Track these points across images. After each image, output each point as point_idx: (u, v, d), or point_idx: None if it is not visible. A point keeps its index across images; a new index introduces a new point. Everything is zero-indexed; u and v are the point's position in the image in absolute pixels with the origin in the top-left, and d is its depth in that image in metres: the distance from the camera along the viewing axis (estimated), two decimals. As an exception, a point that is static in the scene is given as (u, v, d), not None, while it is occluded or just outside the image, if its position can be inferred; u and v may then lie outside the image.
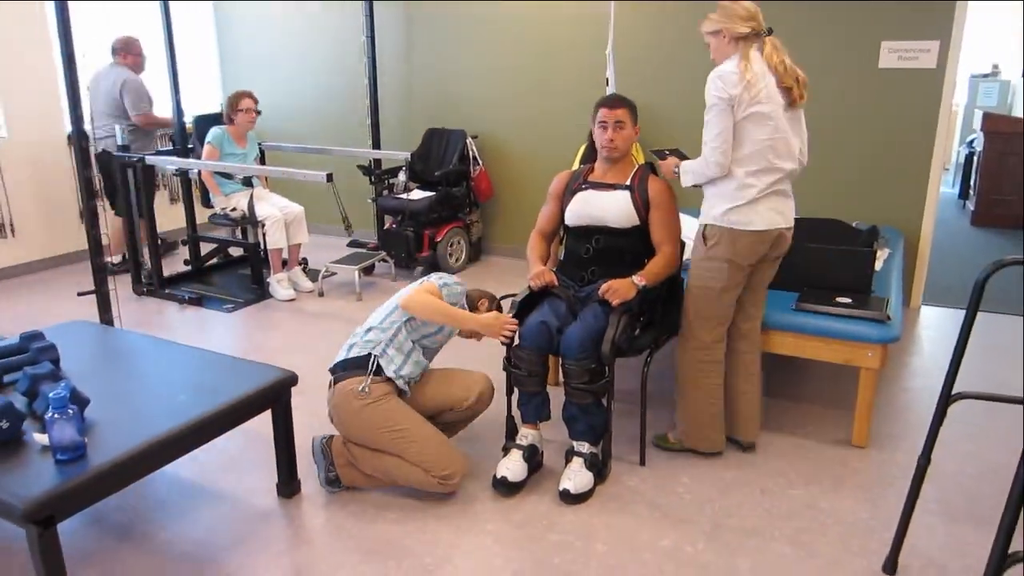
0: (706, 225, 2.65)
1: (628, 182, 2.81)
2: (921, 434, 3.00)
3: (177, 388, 2.42)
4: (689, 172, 2.66)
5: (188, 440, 2.22)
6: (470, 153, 5.37)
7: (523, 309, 2.81)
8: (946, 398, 1.99)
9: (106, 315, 3.76)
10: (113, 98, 4.90)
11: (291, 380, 2.54)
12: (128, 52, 4.98)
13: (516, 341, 2.73)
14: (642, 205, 2.77)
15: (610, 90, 4.49)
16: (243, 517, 2.52)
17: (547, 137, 5.25)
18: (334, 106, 5.98)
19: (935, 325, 4.35)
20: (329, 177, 4.12)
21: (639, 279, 2.69)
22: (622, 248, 2.81)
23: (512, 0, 5.13)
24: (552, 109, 5.15)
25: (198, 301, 4.65)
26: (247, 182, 4.81)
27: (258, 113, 4.82)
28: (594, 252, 2.83)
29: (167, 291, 4.76)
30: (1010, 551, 1.43)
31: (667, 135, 4.92)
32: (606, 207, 2.80)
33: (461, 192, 5.33)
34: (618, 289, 2.65)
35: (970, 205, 7.01)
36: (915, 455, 2.81)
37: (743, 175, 2.54)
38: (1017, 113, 7.75)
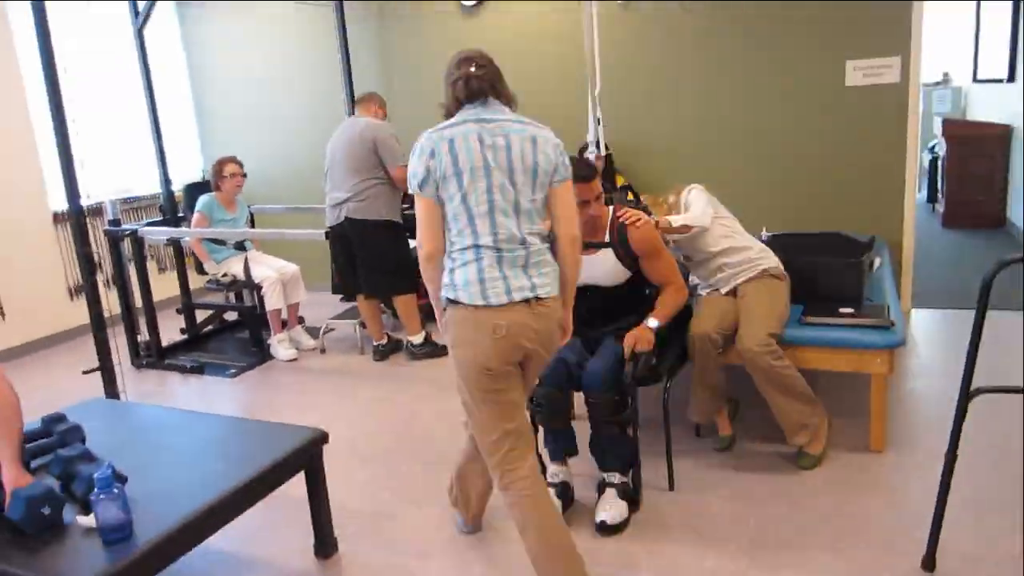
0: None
1: (607, 238, 2.84)
2: (934, 433, 3.11)
3: (209, 457, 2.42)
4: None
5: (230, 509, 2.22)
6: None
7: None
8: (966, 394, 2.07)
9: (111, 389, 3.73)
10: (367, 151, 4.26)
11: (322, 438, 2.56)
12: (371, 104, 4.50)
13: (538, 381, 2.78)
14: (627, 257, 2.83)
15: (602, 129, 4.58)
16: (285, 581, 2.51)
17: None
18: (318, 162, 6.04)
19: (926, 327, 4.47)
20: (327, 235, 4.18)
21: (654, 321, 2.77)
22: (614, 302, 2.89)
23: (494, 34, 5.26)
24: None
25: (200, 369, 4.63)
26: (240, 247, 4.84)
27: (244, 176, 4.86)
28: (589, 310, 2.87)
29: (167, 361, 4.74)
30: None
31: (644, 163, 5.06)
32: (594, 271, 2.84)
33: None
34: (639, 338, 2.70)
35: (939, 208, 7.23)
36: (932, 454, 2.92)
37: None
38: (971, 116, 8.06)
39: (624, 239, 2.81)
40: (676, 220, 3.01)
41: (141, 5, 4.72)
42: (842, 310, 3.06)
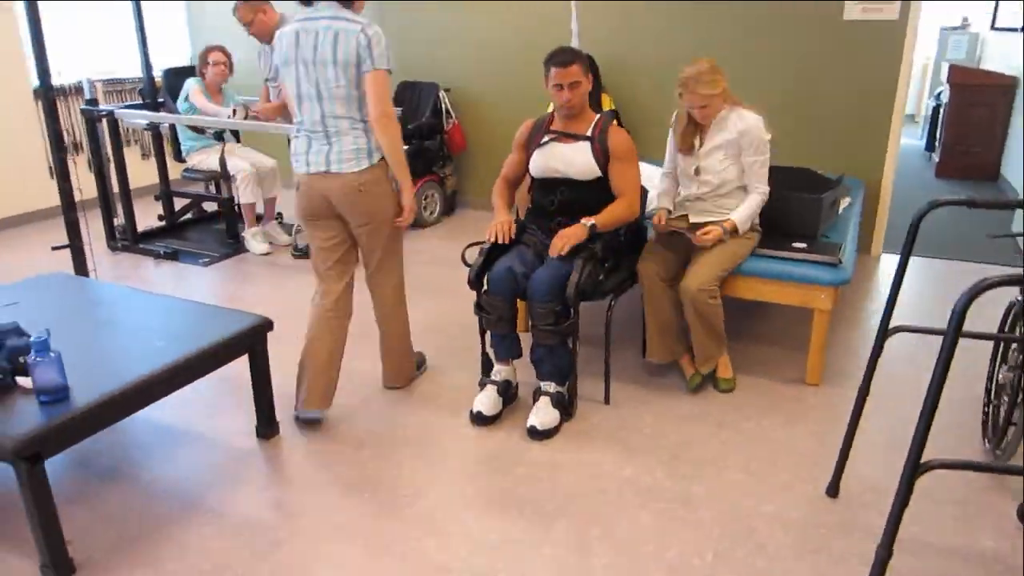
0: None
1: (589, 132, 2.87)
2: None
3: (154, 335, 2.50)
4: (747, 218, 2.98)
5: (166, 383, 2.31)
6: (443, 106, 5.39)
7: (491, 255, 2.90)
8: (883, 331, 2.12)
9: (81, 269, 3.80)
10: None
11: (267, 325, 2.63)
12: None
13: (485, 287, 2.84)
14: (602, 156, 2.84)
15: (574, 42, 4.53)
16: (224, 457, 2.63)
17: (519, 89, 5.28)
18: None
19: (893, 272, 4.50)
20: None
21: (588, 220, 2.77)
22: (586, 199, 2.88)
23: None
24: (523, 60, 5.17)
25: (173, 256, 4.69)
26: (219, 137, 4.81)
27: (229, 68, 4.80)
28: (559, 203, 2.91)
29: (141, 246, 4.80)
30: (922, 460, 1.57)
31: (633, 86, 4.99)
32: (568, 160, 2.86)
33: (435, 145, 5.37)
34: (569, 234, 2.73)
35: (935, 157, 7.15)
36: (863, 390, 3.00)
37: None
38: (985, 66, 7.86)
39: (604, 138, 2.84)
40: (742, 222, 2.97)
41: None
42: (795, 244, 3.08)
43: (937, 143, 7.21)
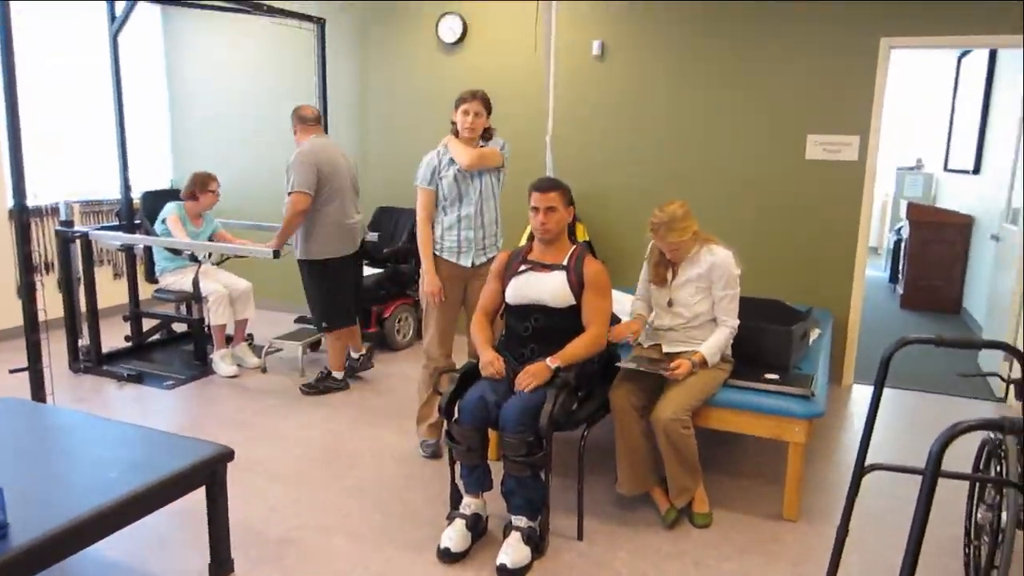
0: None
1: (565, 262, 2.92)
2: (848, 508, 3.11)
3: (107, 465, 2.38)
4: (716, 350, 2.98)
5: (116, 518, 2.18)
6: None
7: (462, 384, 2.86)
8: (859, 470, 2.09)
9: (38, 394, 3.67)
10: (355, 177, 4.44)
11: (227, 456, 2.52)
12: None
13: (456, 416, 2.78)
14: (577, 285, 2.87)
15: (549, 173, 4.70)
16: (171, 599, 2.45)
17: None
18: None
19: (865, 403, 4.51)
20: (276, 254, 4.18)
21: (552, 361, 2.77)
22: (560, 327, 2.89)
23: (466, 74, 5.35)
24: (504, 191, 5.31)
25: (138, 378, 4.58)
26: (194, 259, 4.82)
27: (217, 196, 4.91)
28: (533, 331, 2.91)
29: (105, 368, 4.68)
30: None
31: (606, 216, 5.13)
32: (543, 288, 2.89)
33: (410, 269, 5.41)
34: (534, 372, 2.74)
35: (899, 289, 7.35)
36: (843, 528, 2.91)
37: None
38: (940, 204, 8.24)
39: (580, 267, 2.89)
40: (711, 355, 2.98)
41: (120, 6, 4.75)
42: (768, 376, 3.08)
43: (900, 275, 7.44)
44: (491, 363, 2.86)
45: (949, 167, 7.89)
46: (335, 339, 4.39)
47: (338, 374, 4.46)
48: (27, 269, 3.53)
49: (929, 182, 8.73)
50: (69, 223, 4.63)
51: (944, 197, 8.29)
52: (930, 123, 8.93)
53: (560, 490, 3.16)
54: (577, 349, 2.82)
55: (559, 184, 2.92)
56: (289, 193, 4.03)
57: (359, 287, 4.54)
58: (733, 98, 4.76)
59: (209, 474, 2.48)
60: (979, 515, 2.53)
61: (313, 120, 4.28)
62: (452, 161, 3.38)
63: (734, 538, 2.88)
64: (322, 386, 4.41)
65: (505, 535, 2.69)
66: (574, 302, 2.88)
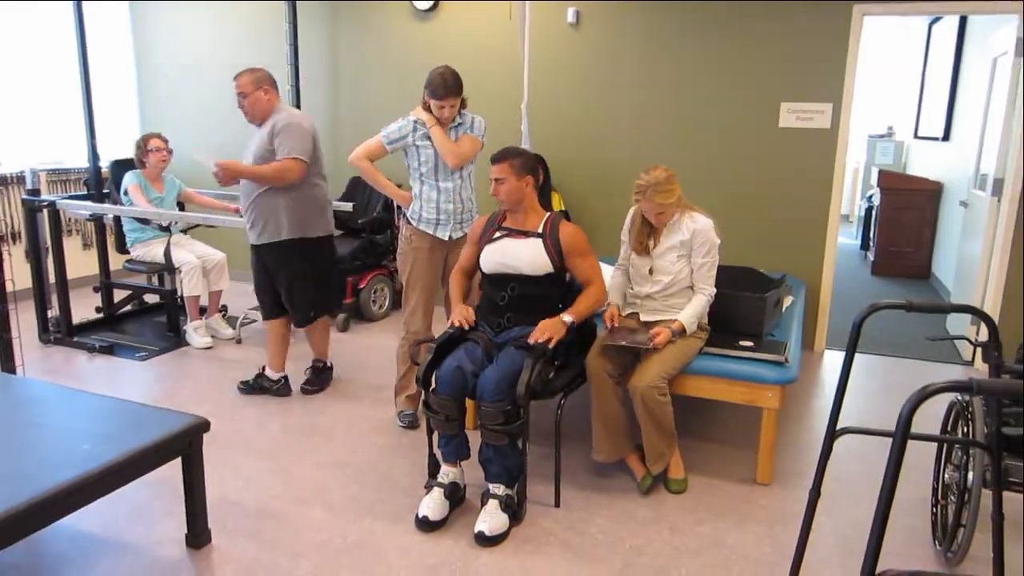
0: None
1: (540, 229, 2.91)
2: (820, 471, 3.17)
3: (81, 437, 2.35)
4: (693, 318, 2.99)
5: (90, 490, 2.16)
6: (394, 201, 5.41)
7: (439, 354, 2.86)
8: (831, 433, 2.12)
9: (8, 364, 3.61)
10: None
11: (203, 426, 2.51)
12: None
13: (433, 386, 2.78)
14: (555, 252, 2.87)
15: (524, 142, 4.66)
16: (150, 569, 2.45)
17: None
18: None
19: (837, 368, 4.59)
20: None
21: (568, 316, 2.81)
22: (536, 295, 2.90)
23: (441, 38, 5.28)
24: (479, 162, 5.27)
25: (109, 349, 4.52)
26: (164, 228, 4.74)
27: (169, 152, 4.76)
28: (509, 299, 2.91)
29: (76, 339, 4.61)
30: (878, 571, 1.54)
31: (582, 186, 5.12)
32: (520, 256, 2.89)
33: (385, 240, 5.37)
34: (551, 328, 2.76)
35: (871, 256, 7.45)
36: (814, 491, 2.98)
37: None
38: (911, 171, 8.34)
39: (556, 234, 2.90)
40: (689, 323, 2.99)
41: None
42: (742, 343, 3.12)
43: (871, 243, 7.53)
44: (461, 313, 2.91)
45: (919, 134, 7.97)
46: (314, 330, 3.95)
47: (274, 374, 3.92)
48: (-9, 240, 3.45)
49: (900, 149, 8.81)
50: (36, 192, 4.52)
51: (914, 164, 8.38)
52: (901, 91, 8.98)
53: (537, 458, 3.19)
54: (586, 305, 2.88)
55: (509, 154, 2.89)
56: (282, 158, 3.49)
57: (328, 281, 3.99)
58: (707, 67, 4.75)
59: (185, 445, 2.46)
60: (946, 475, 2.60)
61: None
62: (428, 136, 3.33)
63: (709, 502, 2.93)
64: (257, 384, 3.92)
65: (483, 503, 2.71)
66: (551, 270, 2.88)
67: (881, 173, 7.27)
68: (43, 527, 2.11)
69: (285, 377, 3.93)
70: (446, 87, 3.21)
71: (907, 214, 7.07)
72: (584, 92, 5.06)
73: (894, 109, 9.20)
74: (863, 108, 8.81)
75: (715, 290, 3.05)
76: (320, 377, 4.03)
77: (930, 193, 6.98)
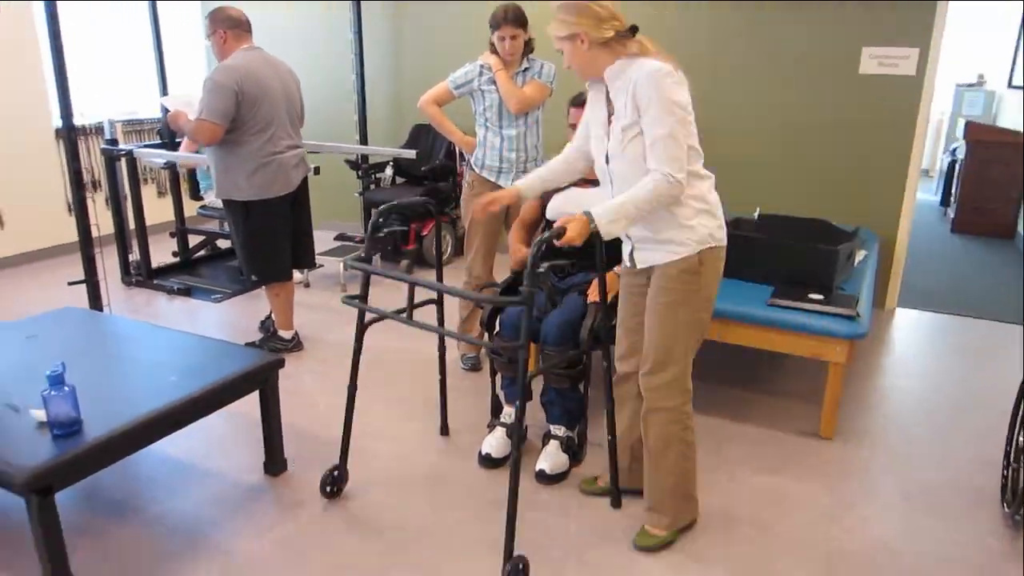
0: (701, 251, 2.12)
1: None
2: (887, 430, 3.13)
3: (167, 370, 2.50)
4: (619, 212, 2.03)
5: (178, 417, 2.30)
6: (457, 148, 5.45)
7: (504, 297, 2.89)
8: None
9: (96, 304, 3.82)
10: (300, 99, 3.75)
11: (278, 363, 2.63)
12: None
13: (497, 329, 2.83)
14: None
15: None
16: (231, 493, 2.60)
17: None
18: (323, 103, 6.06)
19: (908, 326, 4.46)
20: (316, 170, 4.20)
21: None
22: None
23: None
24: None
25: (187, 292, 4.72)
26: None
27: None
28: (575, 248, 2.91)
29: (155, 282, 4.84)
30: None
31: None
32: (589, 204, 2.86)
33: (448, 187, 5.42)
34: (610, 285, 2.65)
35: (951, 212, 7.14)
36: (878, 449, 2.96)
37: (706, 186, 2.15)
38: (1001, 123, 7.90)
39: None
40: (609, 218, 2.10)
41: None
42: (811, 296, 3.06)
43: (952, 198, 7.22)
44: (516, 252, 2.97)
45: (1013, 83, 7.52)
46: (273, 295, 3.75)
47: (285, 333, 3.84)
48: (78, 187, 3.62)
49: (991, 100, 8.34)
50: (114, 141, 4.70)
51: (1006, 116, 7.93)
52: (995, 35, 8.45)
53: (599, 402, 3.23)
54: None
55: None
56: (194, 119, 3.32)
57: (304, 234, 3.82)
58: (784, 5, 4.55)
59: (262, 379, 2.59)
60: (1022, 438, 2.54)
61: (246, 26, 3.51)
62: (493, 81, 3.33)
63: (769, 454, 2.93)
64: (268, 347, 3.77)
65: (544, 443, 2.78)
66: None
67: (968, 125, 6.91)
68: (137, 450, 2.26)
69: (295, 334, 3.88)
70: (505, 16, 3.22)
71: (994, 169, 6.72)
72: (658, 26, 4.92)
73: (986, 55, 8.68)
74: (952, 54, 8.34)
75: (677, 173, 1.99)
76: (266, 344, 3.79)
77: (1021, 147, 6.61)
